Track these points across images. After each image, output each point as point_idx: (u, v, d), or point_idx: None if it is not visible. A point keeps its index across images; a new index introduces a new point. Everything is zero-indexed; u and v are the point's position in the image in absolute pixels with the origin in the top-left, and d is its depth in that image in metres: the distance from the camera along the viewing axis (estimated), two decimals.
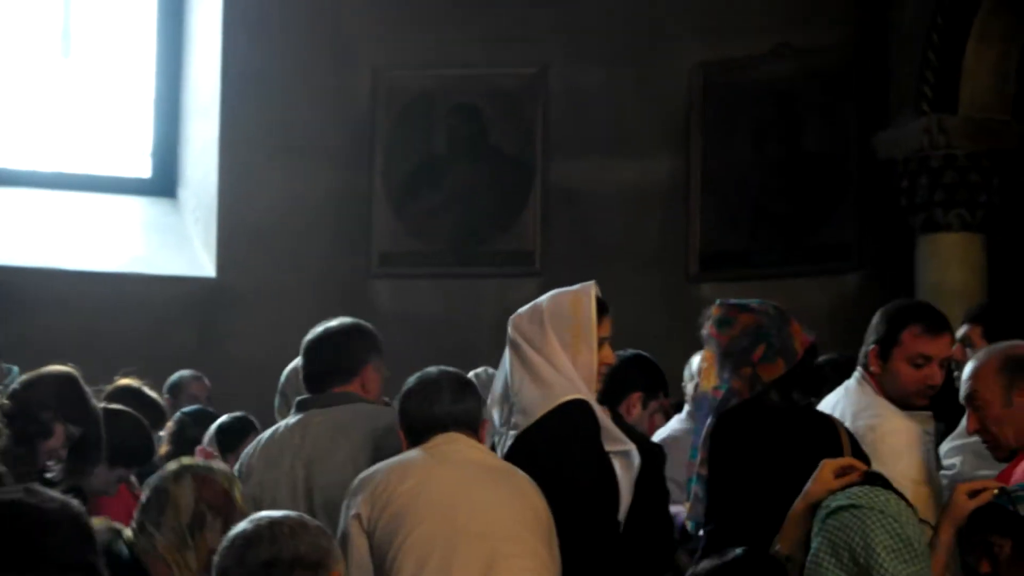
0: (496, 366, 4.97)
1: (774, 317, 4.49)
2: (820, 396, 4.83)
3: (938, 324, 5.07)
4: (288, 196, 10.60)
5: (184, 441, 6.22)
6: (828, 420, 4.47)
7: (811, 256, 10.30)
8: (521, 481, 4.31)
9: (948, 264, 9.38)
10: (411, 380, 4.48)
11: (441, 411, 4.37)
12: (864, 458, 4.25)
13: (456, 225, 10.96)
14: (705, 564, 3.36)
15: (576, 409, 4.51)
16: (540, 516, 4.27)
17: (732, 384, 4.36)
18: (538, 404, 4.53)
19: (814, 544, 3.70)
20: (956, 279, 9.28)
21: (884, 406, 4.82)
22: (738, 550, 3.40)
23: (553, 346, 4.57)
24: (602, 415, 4.60)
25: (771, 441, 4.28)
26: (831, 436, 4.33)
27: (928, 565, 3.64)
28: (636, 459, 4.54)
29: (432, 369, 4.50)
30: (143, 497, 3.93)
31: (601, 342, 4.64)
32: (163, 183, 11.14)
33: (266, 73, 10.64)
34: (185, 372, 8.62)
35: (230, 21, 10.66)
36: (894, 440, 4.65)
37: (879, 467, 4.12)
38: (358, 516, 4.18)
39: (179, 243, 10.88)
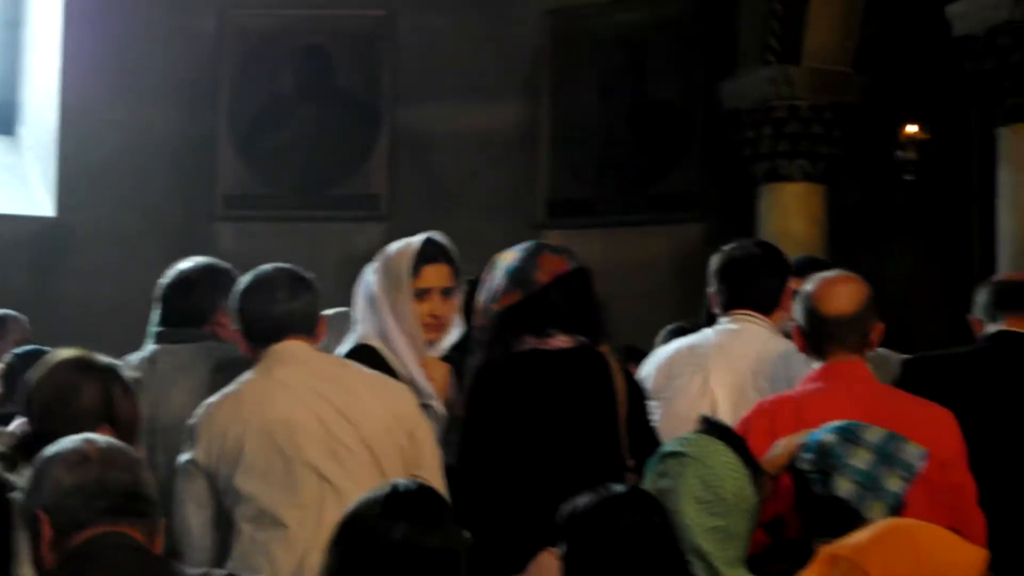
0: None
1: (527, 250, 4.54)
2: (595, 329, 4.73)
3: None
4: (131, 136, 10.42)
5: (16, 381, 6.08)
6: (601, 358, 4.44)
7: (656, 205, 10.39)
8: (362, 386, 4.22)
9: (790, 214, 9.53)
10: (246, 278, 4.34)
11: (278, 310, 4.23)
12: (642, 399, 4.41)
13: (302, 168, 10.86)
14: (584, 500, 3.35)
15: (356, 356, 4.45)
16: (384, 425, 4.17)
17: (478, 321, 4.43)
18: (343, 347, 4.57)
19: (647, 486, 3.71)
20: (797, 229, 9.43)
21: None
22: (619, 487, 3.40)
23: (380, 292, 4.52)
24: (411, 367, 4.48)
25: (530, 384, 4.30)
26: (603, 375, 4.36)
27: (744, 522, 3.63)
28: (438, 412, 4.49)
29: (267, 266, 4.35)
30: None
31: (424, 292, 4.50)
32: (1, 120, 10.89)
33: (109, 10, 10.42)
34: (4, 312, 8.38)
35: None
36: None
37: None
38: (194, 460, 4.13)
39: (17, 181, 10.66)
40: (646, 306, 8.44)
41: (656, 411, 4.87)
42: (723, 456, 3.67)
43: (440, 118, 10.76)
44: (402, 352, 4.50)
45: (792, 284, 5.47)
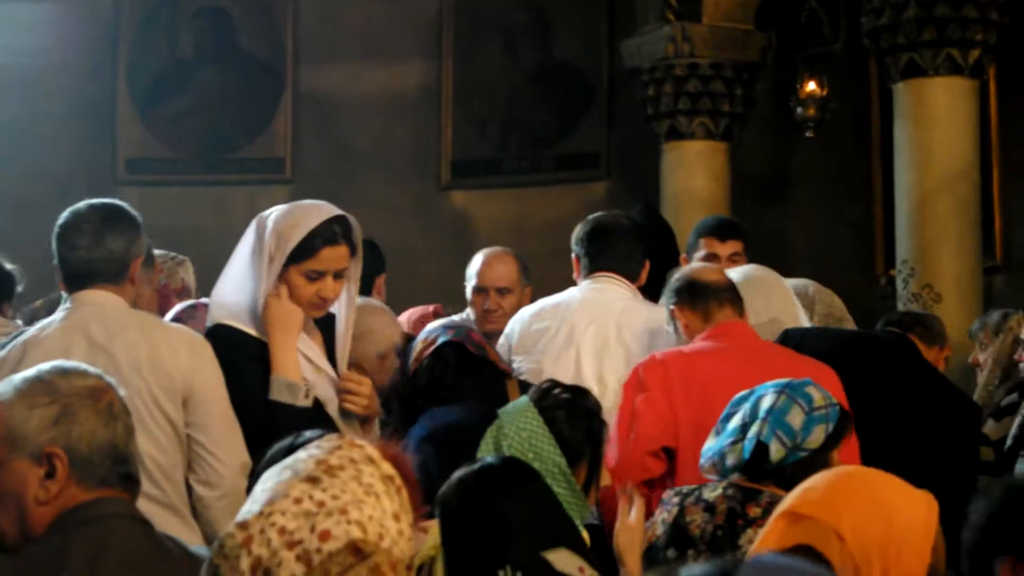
0: None
1: None
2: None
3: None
4: (30, 100, 10.29)
5: None
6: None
7: (560, 164, 10.45)
8: (145, 345, 3.99)
9: (692, 172, 9.60)
10: (63, 215, 4.16)
11: (77, 258, 4.07)
12: None
13: (204, 131, 10.79)
14: (460, 472, 3.33)
15: (214, 337, 4.17)
16: (165, 385, 3.97)
17: None
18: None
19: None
20: (700, 186, 9.51)
21: None
22: (490, 458, 3.39)
23: (260, 257, 4.18)
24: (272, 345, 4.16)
25: None
26: None
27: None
28: (329, 375, 4.38)
29: (82, 204, 4.17)
30: None
31: (318, 275, 4.15)
32: None
33: None
34: None
35: None
36: None
37: None
38: None
39: None
40: (554, 264, 8.50)
41: (523, 365, 5.00)
42: (522, 420, 3.69)
43: (343, 79, 10.73)
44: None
45: (703, 244, 5.60)
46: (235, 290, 4.25)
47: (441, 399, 4.44)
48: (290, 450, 3.31)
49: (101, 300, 4.11)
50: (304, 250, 4.14)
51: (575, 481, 3.65)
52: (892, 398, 4.85)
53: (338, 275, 4.21)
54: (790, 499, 2.62)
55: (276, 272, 4.13)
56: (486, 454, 3.59)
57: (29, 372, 2.74)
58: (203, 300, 5.28)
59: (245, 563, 1.93)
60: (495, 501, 2.97)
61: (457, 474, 3.13)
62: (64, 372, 2.72)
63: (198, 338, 4.12)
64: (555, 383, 3.88)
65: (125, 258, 4.14)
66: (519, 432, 3.69)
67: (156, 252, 5.38)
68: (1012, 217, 9.13)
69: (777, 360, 4.40)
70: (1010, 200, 9.11)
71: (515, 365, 5.09)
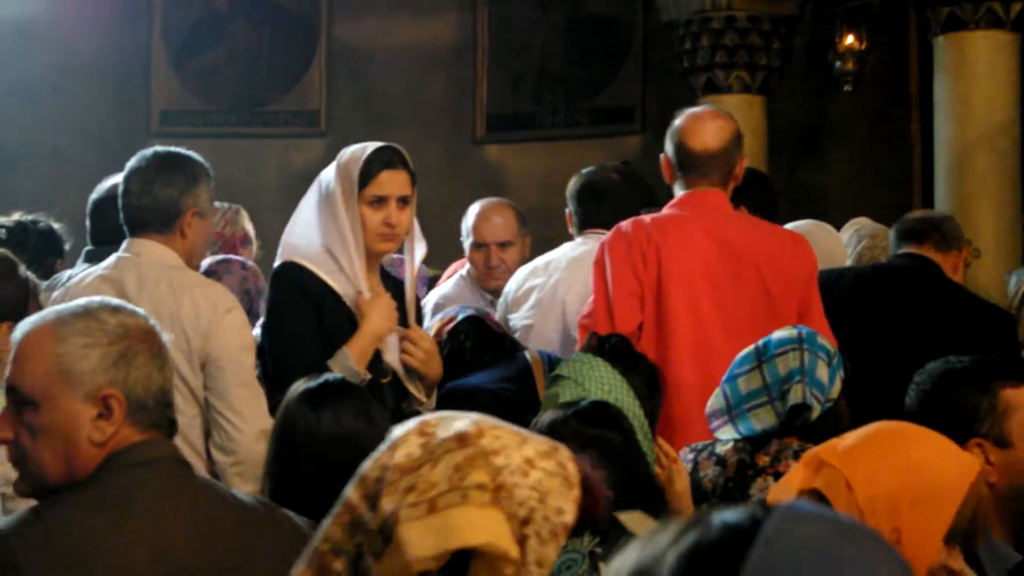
0: (281, 228, 4.88)
1: None
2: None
3: None
4: (63, 51, 10.27)
5: None
6: None
7: (595, 117, 10.39)
8: None
9: None
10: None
11: (128, 204, 4.16)
12: None
13: (238, 84, 10.77)
14: (549, 415, 3.32)
15: (279, 278, 4.25)
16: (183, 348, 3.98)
17: None
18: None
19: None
20: None
21: None
22: (584, 402, 3.37)
23: (337, 195, 4.23)
24: (359, 279, 4.23)
25: None
26: None
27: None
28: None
29: (148, 150, 4.26)
30: None
31: (380, 200, 4.20)
32: None
33: None
34: None
35: None
36: None
37: None
38: None
39: None
40: None
41: (518, 322, 5.00)
42: (598, 372, 3.67)
43: (377, 32, 10.68)
44: (351, 261, 4.23)
45: None
46: (305, 232, 4.27)
47: (459, 373, 4.43)
48: (308, 393, 3.29)
49: (147, 249, 4.13)
50: (365, 177, 4.19)
51: (649, 431, 3.67)
52: (922, 325, 4.85)
53: (403, 202, 4.25)
54: (824, 446, 2.62)
55: (354, 208, 4.19)
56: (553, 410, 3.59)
57: (76, 305, 2.65)
58: (237, 257, 5.27)
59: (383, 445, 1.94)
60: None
61: (548, 415, 3.14)
62: (115, 310, 2.64)
63: (226, 301, 4.09)
64: (595, 335, 3.88)
65: (173, 208, 4.15)
66: (600, 385, 3.66)
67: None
68: None
69: (743, 229, 4.52)
70: None
71: (512, 323, 5.11)
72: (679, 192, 4.59)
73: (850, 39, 9.46)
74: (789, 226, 5.01)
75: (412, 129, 10.28)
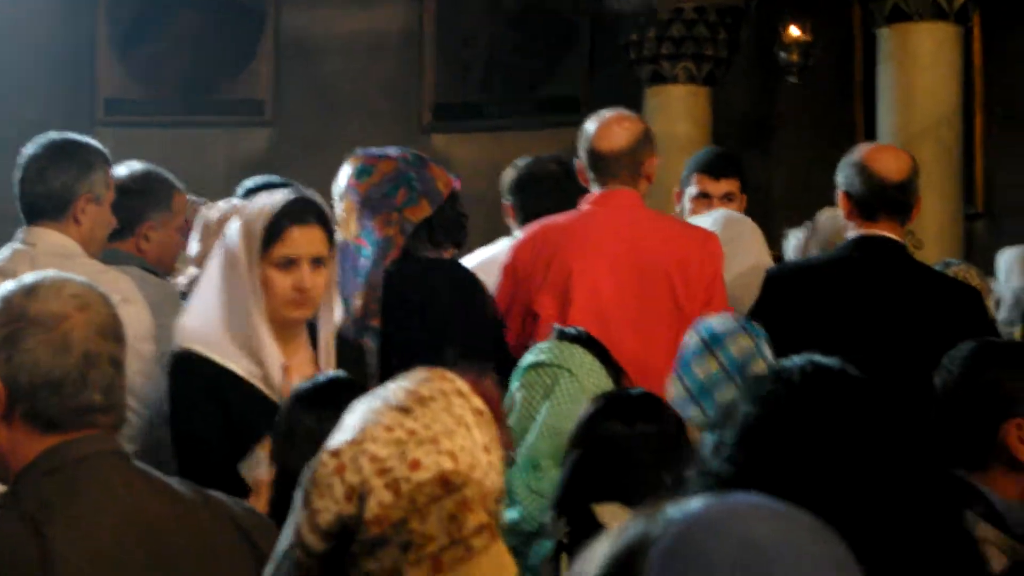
0: None
1: (412, 162, 4.49)
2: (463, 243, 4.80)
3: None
4: (7, 39, 10.19)
5: None
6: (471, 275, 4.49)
7: (542, 107, 10.40)
8: None
9: (675, 117, 9.55)
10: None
11: (22, 192, 4.15)
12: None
13: (185, 72, 10.71)
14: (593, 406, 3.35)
15: (177, 367, 3.75)
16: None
17: (380, 233, 4.26)
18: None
19: (516, 398, 3.69)
20: (683, 132, 9.46)
21: None
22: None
23: (232, 260, 3.68)
24: (269, 365, 3.69)
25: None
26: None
27: None
28: None
29: (43, 137, 4.20)
30: None
31: (289, 262, 3.64)
32: None
33: None
34: None
35: None
36: None
37: None
38: None
39: None
40: None
41: None
42: (579, 358, 3.71)
43: (325, 21, 10.66)
44: (255, 333, 3.67)
45: (695, 180, 5.56)
46: (203, 309, 3.75)
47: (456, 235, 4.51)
48: (309, 393, 3.22)
49: (42, 238, 4.10)
50: (271, 234, 3.65)
51: None
52: (888, 308, 4.82)
53: (317, 263, 3.68)
54: None
55: (255, 271, 3.64)
56: (542, 400, 3.62)
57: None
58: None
59: (339, 491, 1.88)
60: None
61: (591, 407, 3.16)
62: (28, 292, 2.44)
63: (122, 291, 3.83)
64: (556, 327, 3.90)
65: (66, 195, 4.09)
66: (588, 372, 3.72)
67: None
68: (994, 164, 9.12)
69: (653, 226, 4.64)
70: (992, 147, 9.10)
71: None
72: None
73: (795, 30, 9.51)
74: (703, 218, 5.06)
75: (359, 117, 10.28)
